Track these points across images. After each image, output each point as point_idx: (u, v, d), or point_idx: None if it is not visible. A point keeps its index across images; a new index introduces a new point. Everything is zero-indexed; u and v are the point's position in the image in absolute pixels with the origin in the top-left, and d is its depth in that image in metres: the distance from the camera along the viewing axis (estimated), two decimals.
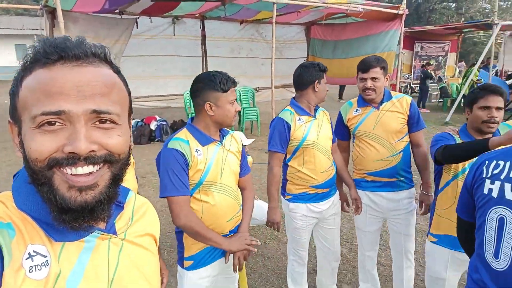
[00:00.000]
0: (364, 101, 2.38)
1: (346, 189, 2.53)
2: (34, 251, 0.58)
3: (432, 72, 11.35)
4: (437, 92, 12.11)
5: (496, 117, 1.81)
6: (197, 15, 8.02)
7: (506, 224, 1.18)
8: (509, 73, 12.11)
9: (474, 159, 1.40)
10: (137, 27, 7.36)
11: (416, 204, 2.46)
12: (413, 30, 11.18)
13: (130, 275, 0.70)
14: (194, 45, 8.23)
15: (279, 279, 3.03)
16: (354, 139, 2.47)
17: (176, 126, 7.93)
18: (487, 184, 1.27)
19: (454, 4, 30.84)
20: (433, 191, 2.27)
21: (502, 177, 1.23)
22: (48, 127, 0.56)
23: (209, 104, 1.67)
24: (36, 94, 0.56)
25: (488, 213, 1.25)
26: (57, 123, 0.56)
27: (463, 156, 1.79)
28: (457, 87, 11.11)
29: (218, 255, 1.80)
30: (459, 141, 1.94)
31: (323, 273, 2.62)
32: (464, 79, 10.25)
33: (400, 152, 2.32)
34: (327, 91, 2.33)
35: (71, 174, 0.57)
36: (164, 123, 7.88)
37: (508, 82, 10.60)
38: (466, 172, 1.78)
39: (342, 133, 2.50)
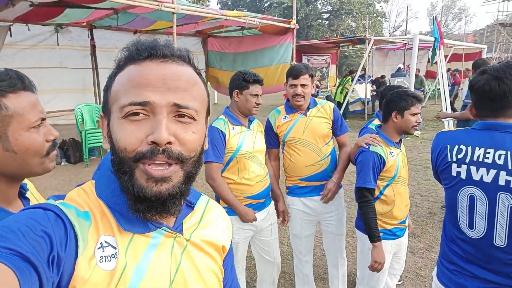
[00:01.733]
0: (291, 108, 2.44)
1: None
2: (106, 242, 0.61)
3: (318, 82, 12.46)
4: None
5: (420, 121, 2.07)
6: (84, 24, 7.33)
7: (476, 201, 1.39)
8: (378, 80, 13.84)
9: (435, 140, 1.59)
10: (10, 36, 6.38)
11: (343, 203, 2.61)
12: (300, 44, 12.09)
13: (191, 277, 0.70)
14: (82, 56, 7.48)
15: None
16: (284, 147, 2.50)
17: (66, 146, 7.08)
18: (454, 168, 1.46)
19: (327, 22, 34.59)
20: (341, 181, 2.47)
21: (467, 161, 1.43)
22: (133, 117, 0.61)
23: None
24: (125, 86, 0.62)
25: (459, 192, 1.45)
26: (141, 114, 0.60)
27: (364, 223, 2.08)
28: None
29: None
30: (380, 150, 2.06)
31: (264, 285, 2.57)
32: (341, 87, 11.58)
33: (328, 156, 2.43)
34: (258, 104, 2.24)
35: (149, 164, 0.60)
36: None
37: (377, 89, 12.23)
38: (397, 177, 2.06)
39: (272, 141, 2.51)
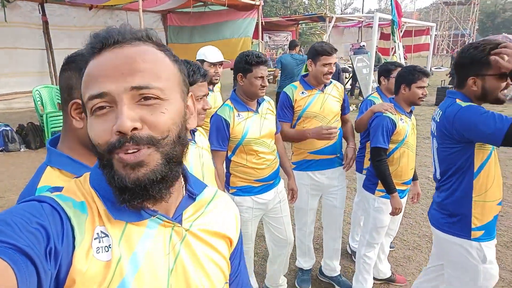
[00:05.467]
0: (309, 84, 2.49)
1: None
2: (102, 232, 0.60)
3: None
4: None
5: (426, 93, 2.30)
6: None
7: (433, 148, 1.87)
8: None
9: None
10: None
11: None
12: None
13: (191, 267, 0.69)
14: (37, 35, 6.93)
15: None
16: (297, 121, 2.53)
17: (25, 131, 6.60)
18: (432, 124, 1.87)
19: None
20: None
21: (432, 117, 1.88)
22: (99, 112, 0.58)
23: None
24: (86, 82, 0.60)
25: (432, 143, 1.86)
26: (106, 107, 0.58)
27: (381, 178, 2.31)
28: None
29: None
30: (394, 116, 2.29)
31: (278, 261, 2.54)
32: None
33: (338, 129, 2.52)
34: (263, 86, 2.11)
35: (122, 152, 0.58)
36: (8, 128, 6.44)
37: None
38: (405, 142, 2.35)
39: (287, 115, 2.53)
